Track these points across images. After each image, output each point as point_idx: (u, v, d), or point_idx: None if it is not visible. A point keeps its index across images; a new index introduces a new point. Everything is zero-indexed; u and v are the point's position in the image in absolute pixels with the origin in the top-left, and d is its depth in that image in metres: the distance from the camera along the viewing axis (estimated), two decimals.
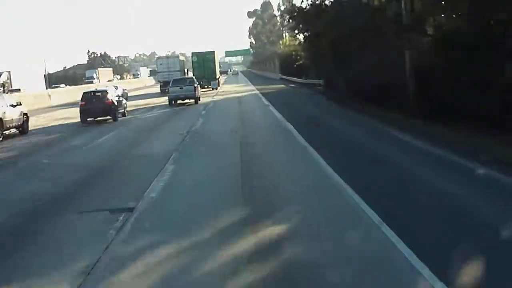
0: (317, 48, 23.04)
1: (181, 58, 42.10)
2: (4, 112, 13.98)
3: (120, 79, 74.20)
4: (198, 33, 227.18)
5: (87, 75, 58.38)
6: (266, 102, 20.41)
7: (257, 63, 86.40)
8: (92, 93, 17.60)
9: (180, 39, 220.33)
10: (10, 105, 14.63)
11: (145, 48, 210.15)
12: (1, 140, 13.32)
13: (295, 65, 34.92)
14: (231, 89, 35.55)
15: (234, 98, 25.39)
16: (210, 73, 35.58)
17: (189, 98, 22.40)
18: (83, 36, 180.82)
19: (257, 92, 28.88)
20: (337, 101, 18.67)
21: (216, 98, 26.65)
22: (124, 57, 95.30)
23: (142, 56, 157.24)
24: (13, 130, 14.83)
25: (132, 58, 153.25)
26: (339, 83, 20.93)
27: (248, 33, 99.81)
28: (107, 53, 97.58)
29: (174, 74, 31.82)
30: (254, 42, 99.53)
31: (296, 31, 26.92)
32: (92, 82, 48.78)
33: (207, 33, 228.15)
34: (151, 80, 62.62)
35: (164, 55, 48.49)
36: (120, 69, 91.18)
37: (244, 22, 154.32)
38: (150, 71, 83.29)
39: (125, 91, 27.54)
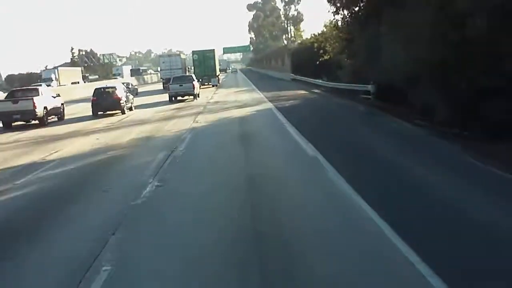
0: (384, 27, 12.33)
1: (183, 56, 43.71)
2: (49, 102, 17.24)
3: (100, 79, 63.47)
4: (195, 29, 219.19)
5: (43, 76, 44.94)
6: (305, 144, 8.65)
7: (259, 61, 75.58)
8: (102, 89, 19.64)
9: (177, 37, 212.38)
10: (52, 96, 18.16)
11: (141, 46, 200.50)
12: (46, 125, 16.30)
13: (318, 62, 25.29)
14: (227, 97, 23.79)
15: (233, 122, 13.53)
16: (211, 70, 37.35)
17: (188, 95, 23.99)
18: (75, 33, 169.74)
19: (270, 105, 17.38)
20: (473, 143, 7.84)
21: (201, 120, 14.23)
22: (110, 54, 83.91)
23: (137, 54, 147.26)
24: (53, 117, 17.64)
25: (128, 56, 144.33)
26: (436, 95, 10.03)
27: (247, 28, 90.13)
28: (94, 50, 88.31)
29: (176, 71, 33.51)
30: (254, 38, 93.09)
31: (336, 6, 15.71)
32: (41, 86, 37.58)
33: (204, 30, 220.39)
34: (133, 81, 51.15)
35: (167, 54, 52.00)
36: (108, 67, 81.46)
37: (243, 16, 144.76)
38: (131, 70, 70.44)
39: (136, 87, 34.39)
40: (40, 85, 37.03)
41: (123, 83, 26.12)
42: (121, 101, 18.60)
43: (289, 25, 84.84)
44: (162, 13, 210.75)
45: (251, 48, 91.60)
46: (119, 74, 63.62)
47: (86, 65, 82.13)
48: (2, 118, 16.15)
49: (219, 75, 41.11)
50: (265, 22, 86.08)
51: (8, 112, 15.79)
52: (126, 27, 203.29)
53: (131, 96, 21.07)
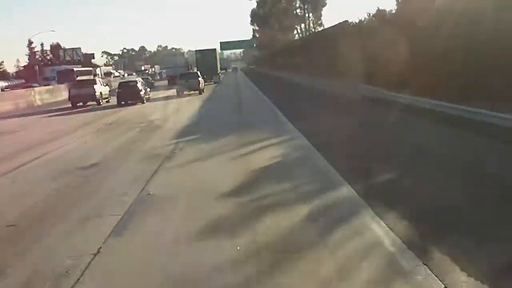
0: None
1: (186, 55, 69.75)
2: (102, 89, 32.55)
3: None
4: (190, 24, 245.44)
5: None
6: None
7: (268, 58, 74.48)
8: (125, 83, 32.48)
9: (171, 32, 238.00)
10: (103, 85, 33.58)
11: (133, 43, 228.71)
12: (100, 105, 31.14)
13: None
14: None
15: None
16: (212, 69, 54.14)
17: (194, 90, 35.52)
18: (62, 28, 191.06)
19: None
20: None
21: None
22: (73, 49, 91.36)
23: (131, 52, 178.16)
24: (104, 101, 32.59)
25: (120, 53, 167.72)
26: None
27: (249, 19, 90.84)
28: (62, 45, 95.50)
29: (180, 69, 50.06)
30: (258, 31, 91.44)
31: None
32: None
33: (199, 23, 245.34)
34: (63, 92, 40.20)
35: (172, 54, 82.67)
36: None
37: (243, 7, 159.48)
38: (57, 72, 58.78)
39: (152, 80, 54.05)
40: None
41: (143, 78, 42.66)
42: (141, 93, 30.30)
43: (307, 11, 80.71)
44: (155, 8, 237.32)
45: (254, 44, 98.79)
46: (53, 79, 57.97)
47: (42, 63, 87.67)
48: (72, 99, 30.71)
49: (220, 73, 60.30)
50: (274, 9, 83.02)
51: (77, 95, 30.80)
52: (118, 23, 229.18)
53: (148, 89, 33.85)
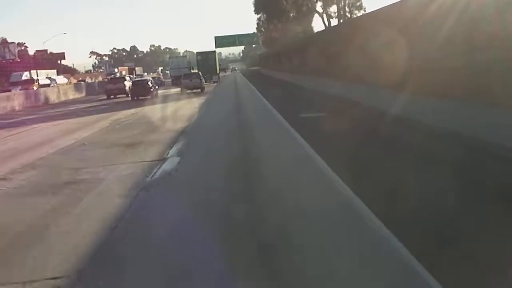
0: None
1: (187, 58, 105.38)
2: (129, 84, 58.95)
3: None
4: (184, 21, 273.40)
5: None
6: None
7: (278, 56, 75.67)
8: (138, 81, 56.11)
9: (164, 32, 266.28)
10: (129, 82, 61.59)
11: (124, 43, 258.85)
12: (129, 97, 56.12)
13: None
14: None
15: None
16: (212, 69, 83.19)
17: (197, 88, 56.14)
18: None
19: None
20: None
21: None
22: (4, 44, 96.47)
23: (121, 52, 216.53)
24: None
25: (110, 54, 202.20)
26: None
27: (253, 7, 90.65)
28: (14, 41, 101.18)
29: (182, 70, 78.68)
30: (265, 22, 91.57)
31: None
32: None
33: (195, 20, 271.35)
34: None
35: (175, 55, 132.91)
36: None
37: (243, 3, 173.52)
38: None
39: (163, 80, 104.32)
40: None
41: (152, 77, 78.47)
42: (151, 89, 50.95)
43: None
44: (148, 6, 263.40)
45: (259, 40, 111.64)
46: None
47: None
48: (107, 93, 59.00)
49: (219, 73, 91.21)
50: None
51: (111, 89, 59.49)
52: (108, 23, 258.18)
53: (156, 87, 56.49)
